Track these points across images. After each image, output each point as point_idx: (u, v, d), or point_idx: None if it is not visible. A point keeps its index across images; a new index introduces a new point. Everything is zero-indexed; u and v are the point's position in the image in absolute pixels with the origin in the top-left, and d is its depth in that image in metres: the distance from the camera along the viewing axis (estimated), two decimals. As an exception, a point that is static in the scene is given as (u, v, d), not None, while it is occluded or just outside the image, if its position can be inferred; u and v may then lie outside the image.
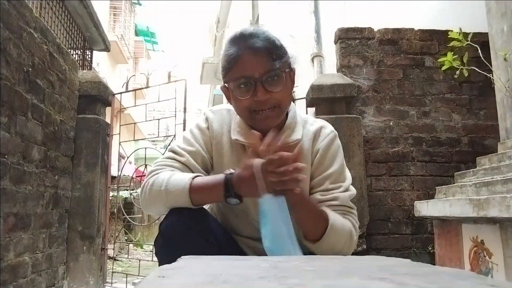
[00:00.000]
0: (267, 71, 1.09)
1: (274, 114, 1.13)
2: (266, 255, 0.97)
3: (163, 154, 1.27)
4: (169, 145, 1.37)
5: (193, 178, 1.07)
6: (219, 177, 1.06)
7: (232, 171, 1.05)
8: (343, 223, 1.12)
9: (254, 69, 1.09)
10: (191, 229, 1.04)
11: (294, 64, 1.19)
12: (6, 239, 2.11)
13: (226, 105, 1.30)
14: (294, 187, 1.00)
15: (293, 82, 1.20)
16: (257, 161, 0.98)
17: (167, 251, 1.04)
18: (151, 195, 1.11)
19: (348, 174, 1.24)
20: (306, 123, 1.26)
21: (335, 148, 1.24)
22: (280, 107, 1.13)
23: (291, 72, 1.18)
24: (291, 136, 1.19)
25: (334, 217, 1.10)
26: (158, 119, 3.85)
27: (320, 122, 1.28)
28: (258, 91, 1.09)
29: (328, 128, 1.26)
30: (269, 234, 0.98)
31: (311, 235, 1.10)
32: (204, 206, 1.17)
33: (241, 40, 1.13)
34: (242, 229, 1.22)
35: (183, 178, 1.08)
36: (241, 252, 1.21)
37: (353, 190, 1.21)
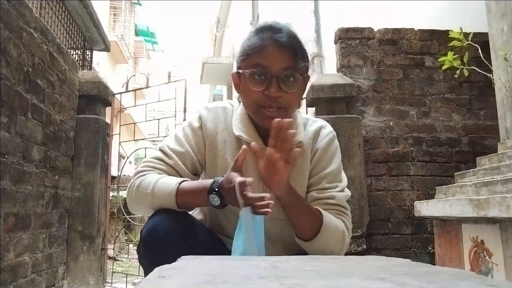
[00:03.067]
0: (287, 68, 1.07)
1: (280, 116, 1.09)
2: None
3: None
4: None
5: (179, 184, 1.06)
6: (205, 183, 1.05)
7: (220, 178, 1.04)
8: (337, 224, 1.11)
9: (274, 62, 1.06)
10: (173, 235, 1.02)
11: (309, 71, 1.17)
12: (6, 239, 2.11)
13: (222, 102, 1.27)
14: (266, 214, 0.97)
15: (305, 88, 1.18)
16: (238, 179, 0.96)
17: (149, 258, 1.02)
18: (137, 196, 1.10)
19: (344, 176, 1.24)
20: (307, 124, 1.24)
21: (334, 148, 1.23)
22: (286, 110, 1.10)
23: (306, 78, 1.15)
24: (294, 138, 1.17)
25: (328, 217, 1.10)
26: (158, 119, 3.85)
27: (320, 122, 1.27)
28: (272, 86, 1.06)
29: (327, 129, 1.25)
30: (239, 247, 0.98)
31: (304, 234, 1.10)
32: None
33: (269, 31, 1.10)
34: (231, 231, 1.20)
35: (170, 182, 1.06)
36: (229, 255, 1.20)
37: (348, 192, 1.21)
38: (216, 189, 1.01)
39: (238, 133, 1.15)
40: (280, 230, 1.14)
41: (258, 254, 0.97)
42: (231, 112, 1.22)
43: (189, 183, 1.08)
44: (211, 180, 1.04)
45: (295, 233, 1.12)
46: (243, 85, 1.12)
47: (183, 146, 1.17)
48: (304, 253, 1.14)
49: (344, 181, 1.22)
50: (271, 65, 1.06)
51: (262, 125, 1.13)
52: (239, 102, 1.21)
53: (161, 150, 1.18)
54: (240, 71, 1.12)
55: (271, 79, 1.06)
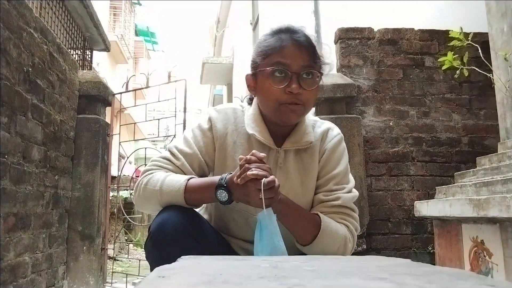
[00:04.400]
0: (307, 67, 1.11)
1: (300, 111, 1.14)
2: None
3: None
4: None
5: (188, 180, 1.08)
6: (213, 179, 1.07)
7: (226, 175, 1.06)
8: (337, 229, 1.12)
9: (295, 60, 1.10)
10: (181, 231, 1.04)
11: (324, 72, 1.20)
12: (6, 239, 2.11)
13: (231, 104, 1.29)
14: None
15: (318, 88, 1.20)
16: (265, 179, 0.98)
17: (157, 254, 1.04)
18: (145, 193, 1.12)
19: (351, 177, 1.26)
20: (315, 125, 1.27)
21: (341, 150, 1.25)
22: (305, 107, 1.14)
23: (321, 76, 1.18)
24: (303, 139, 1.19)
25: (328, 223, 1.11)
26: (158, 119, 3.85)
27: (328, 124, 1.30)
28: (293, 83, 1.09)
29: (335, 130, 1.28)
30: (266, 247, 0.99)
31: (301, 240, 1.11)
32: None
33: (287, 32, 1.14)
34: (236, 231, 1.22)
35: (179, 179, 1.09)
36: (234, 254, 1.21)
37: (356, 192, 1.22)
38: (225, 185, 1.03)
39: (252, 132, 1.17)
40: (283, 230, 1.14)
41: (282, 253, 0.99)
42: (241, 113, 1.23)
43: (197, 180, 1.11)
44: (219, 177, 1.06)
45: (295, 238, 1.13)
46: (262, 85, 1.14)
47: (191, 147, 1.18)
48: None
49: (352, 182, 1.24)
50: (291, 63, 1.10)
51: (283, 122, 1.15)
52: (249, 104, 1.24)
53: (169, 151, 1.20)
54: (258, 69, 1.15)
55: (292, 76, 1.10)
